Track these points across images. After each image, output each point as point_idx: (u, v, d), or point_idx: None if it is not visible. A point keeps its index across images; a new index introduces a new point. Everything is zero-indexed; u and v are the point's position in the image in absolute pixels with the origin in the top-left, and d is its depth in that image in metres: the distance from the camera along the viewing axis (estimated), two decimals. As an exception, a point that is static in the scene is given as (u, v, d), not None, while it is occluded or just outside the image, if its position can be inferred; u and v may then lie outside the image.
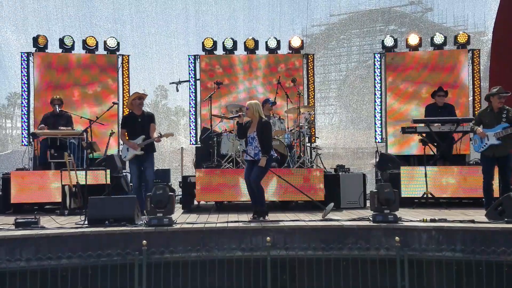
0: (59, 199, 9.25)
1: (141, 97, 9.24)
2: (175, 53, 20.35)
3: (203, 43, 12.23)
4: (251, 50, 12.27)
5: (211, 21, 20.76)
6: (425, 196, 9.38)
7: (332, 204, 8.13)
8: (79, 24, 19.06)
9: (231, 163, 9.76)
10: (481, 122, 8.55)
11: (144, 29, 21.27)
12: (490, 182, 8.43)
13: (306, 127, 10.28)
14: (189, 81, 12.42)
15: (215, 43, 12.19)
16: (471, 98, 11.88)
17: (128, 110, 10.35)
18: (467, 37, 11.87)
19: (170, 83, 16.34)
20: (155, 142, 9.23)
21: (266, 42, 12.26)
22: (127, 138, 9.20)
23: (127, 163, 9.75)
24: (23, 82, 11.77)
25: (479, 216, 7.75)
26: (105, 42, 12.07)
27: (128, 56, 12.29)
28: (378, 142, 12.06)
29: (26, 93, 11.79)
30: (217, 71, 12.25)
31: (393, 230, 7.04)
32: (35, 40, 11.80)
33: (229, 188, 9.38)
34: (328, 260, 6.82)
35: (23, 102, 11.84)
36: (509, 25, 11.69)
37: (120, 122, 10.87)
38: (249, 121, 8.15)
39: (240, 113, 8.38)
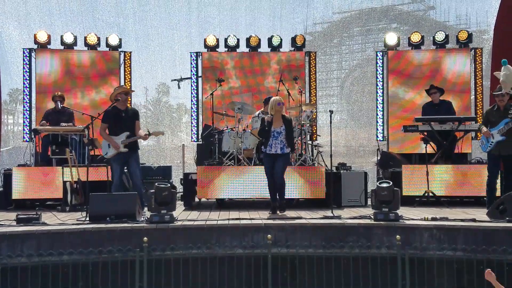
0: (61, 195, 9.24)
1: (127, 92, 9.01)
2: (177, 45, 20.41)
3: (205, 40, 12.22)
4: (253, 47, 12.25)
5: (213, 12, 20.81)
6: (426, 194, 9.37)
7: None
8: (81, 18, 19.11)
9: (233, 161, 9.75)
10: (489, 121, 8.55)
11: (146, 21, 21.35)
12: (494, 181, 8.46)
13: (308, 125, 10.27)
14: (190, 78, 12.43)
15: (217, 40, 12.19)
16: (473, 96, 11.87)
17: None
18: (467, 35, 11.85)
19: (172, 80, 16.38)
20: (138, 140, 8.97)
21: (269, 39, 12.24)
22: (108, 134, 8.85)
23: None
24: (25, 78, 11.76)
25: (480, 215, 7.76)
26: (107, 39, 12.05)
27: (130, 52, 12.25)
28: (380, 140, 12.07)
29: (28, 89, 11.78)
30: (219, 68, 12.24)
31: (394, 228, 7.05)
32: (36, 37, 11.77)
33: (230, 185, 9.36)
34: (329, 258, 6.83)
35: (25, 98, 11.83)
36: (510, 23, 11.65)
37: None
38: (270, 120, 8.22)
39: (268, 116, 8.31)
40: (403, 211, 7.91)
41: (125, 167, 9.05)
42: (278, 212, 8.21)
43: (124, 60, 12.16)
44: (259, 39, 12.23)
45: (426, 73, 11.89)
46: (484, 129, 8.47)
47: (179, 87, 14.81)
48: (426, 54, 12.06)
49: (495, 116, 8.47)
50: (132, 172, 8.89)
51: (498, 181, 8.75)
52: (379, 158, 11.30)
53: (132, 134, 8.81)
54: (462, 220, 7.31)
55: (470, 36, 11.89)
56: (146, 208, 7.98)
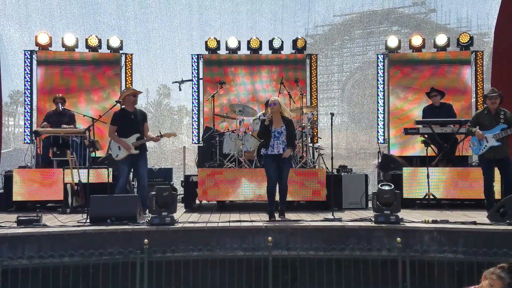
0: (61, 197, 9.25)
1: (136, 94, 8.95)
2: (179, 48, 20.38)
3: (206, 42, 12.24)
4: (254, 49, 12.26)
5: (214, 15, 20.78)
6: (427, 197, 9.37)
7: None
8: (82, 21, 19.10)
9: (233, 163, 9.76)
10: (478, 124, 8.47)
11: (147, 24, 21.34)
12: (491, 184, 8.41)
13: (309, 127, 10.27)
14: (192, 80, 12.44)
15: (218, 43, 12.19)
16: (474, 99, 11.87)
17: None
18: (469, 38, 11.87)
19: (173, 82, 16.36)
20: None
21: (270, 41, 12.25)
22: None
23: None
24: (26, 80, 11.77)
25: (481, 217, 7.74)
26: (108, 41, 12.05)
27: (132, 54, 12.27)
28: (381, 142, 12.08)
29: (29, 91, 11.79)
30: (220, 71, 12.24)
31: (395, 231, 7.04)
32: (37, 38, 11.79)
33: (231, 187, 9.38)
34: (329, 260, 6.82)
35: (26, 100, 11.83)
36: (510, 25, 11.67)
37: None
38: (271, 119, 8.14)
39: (269, 117, 8.22)
40: (403, 213, 7.91)
41: (131, 170, 9.02)
42: (276, 217, 8.02)
43: (125, 62, 12.18)
44: (260, 42, 12.24)
45: (427, 76, 11.90)
46: (479, 131, 8.40)
47: (180, 89, 14.77)
48: (427, 56, 12.08)
49: (487, 119, 8.38)
50: (141, 175, 8.73)
51: (496, 183, 8.71)
52: (380, 160, 11.30)
53: (142, 136, 8.70)
54: (462, 223, 7.31)
55: (471, 39, 11.91)
56: (147, 210, 7.99)
